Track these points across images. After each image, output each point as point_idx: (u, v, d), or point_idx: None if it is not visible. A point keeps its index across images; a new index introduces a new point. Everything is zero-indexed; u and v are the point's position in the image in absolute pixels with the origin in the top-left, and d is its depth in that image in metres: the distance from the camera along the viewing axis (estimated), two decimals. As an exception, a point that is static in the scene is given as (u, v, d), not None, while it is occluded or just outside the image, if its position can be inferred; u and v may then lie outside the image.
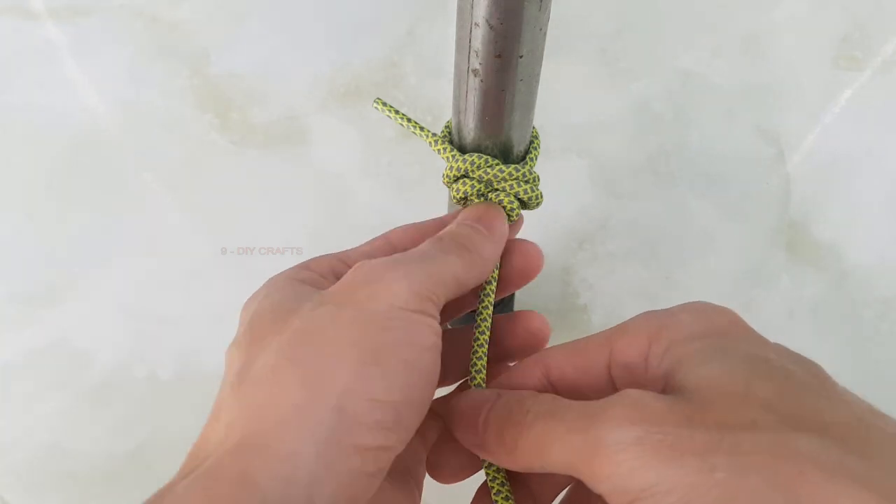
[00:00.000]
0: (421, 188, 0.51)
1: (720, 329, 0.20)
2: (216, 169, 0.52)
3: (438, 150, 0.29)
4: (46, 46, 0.59)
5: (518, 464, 0.21)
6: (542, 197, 0.29)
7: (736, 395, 0.18)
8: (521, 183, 0.28)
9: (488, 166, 0.27)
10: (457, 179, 0.28)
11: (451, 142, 0.30)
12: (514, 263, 0.28)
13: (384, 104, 0.31)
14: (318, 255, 0.27)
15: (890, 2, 0.62)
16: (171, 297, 0.46)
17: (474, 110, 0.27)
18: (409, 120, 0.30)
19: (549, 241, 0.47)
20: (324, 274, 0.25)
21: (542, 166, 0.30)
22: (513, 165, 0.28)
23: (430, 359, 0.22)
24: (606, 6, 0.61)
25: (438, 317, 0.23)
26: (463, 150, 0.29)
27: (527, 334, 0.27)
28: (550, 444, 0.20)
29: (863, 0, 0.62)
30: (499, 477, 0.24)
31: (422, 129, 0.30)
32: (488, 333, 0.26)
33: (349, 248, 0.27)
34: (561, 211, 0.50)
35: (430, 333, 0.22)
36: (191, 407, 0.42)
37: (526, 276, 0.28)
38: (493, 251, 0.26)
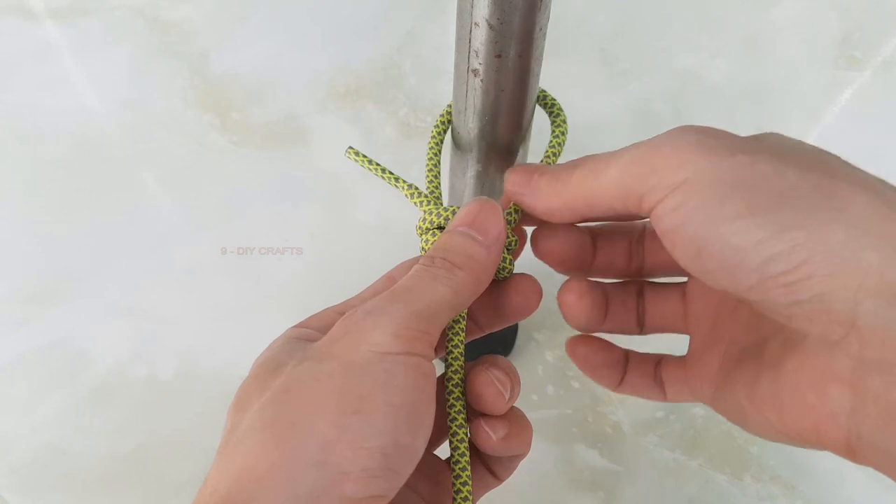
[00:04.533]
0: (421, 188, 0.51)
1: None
2: (216, 169, 0.52)
3: (416, 202, 0.28)
4: (46, 46, 0.59)
5: (567, 196, 0.23)
6: (511, 264, 0.27)
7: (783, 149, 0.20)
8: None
9: None
10: (428, 231, 0.27)
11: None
12: (512, 300, 0.27)
13: (356, 153, 0.30)
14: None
15: (890, 2, 0.62)
16: (171, 297, 0.46)
17: (474, 110, 0.27)
18: (384, 170, 0.29)
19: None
20: (321, 329, 0.24)
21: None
22: None
23: (419, 399, 0.21)
24: (606, 6, 0.61)
25: (431, 352, 0.22)
26: (461, 150, 0.29)
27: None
28: (607, 164, 0.22)
29: (863, 0, 0.62)
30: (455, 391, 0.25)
31: (397, 179, 0.28)
32: (461, 374, 0.25)
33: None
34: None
35: (414, 374, 0.21)
36: (191, 407, 0.42)
37: (523, 313, 0.27)
38: (488, 258, 0.24)
